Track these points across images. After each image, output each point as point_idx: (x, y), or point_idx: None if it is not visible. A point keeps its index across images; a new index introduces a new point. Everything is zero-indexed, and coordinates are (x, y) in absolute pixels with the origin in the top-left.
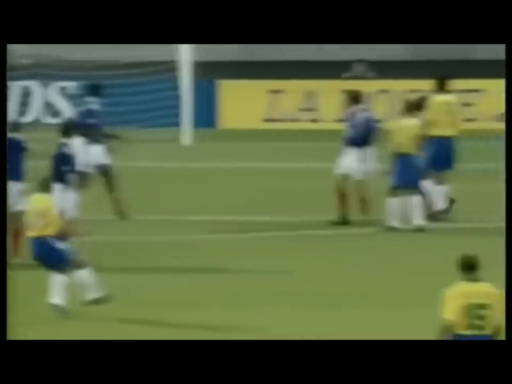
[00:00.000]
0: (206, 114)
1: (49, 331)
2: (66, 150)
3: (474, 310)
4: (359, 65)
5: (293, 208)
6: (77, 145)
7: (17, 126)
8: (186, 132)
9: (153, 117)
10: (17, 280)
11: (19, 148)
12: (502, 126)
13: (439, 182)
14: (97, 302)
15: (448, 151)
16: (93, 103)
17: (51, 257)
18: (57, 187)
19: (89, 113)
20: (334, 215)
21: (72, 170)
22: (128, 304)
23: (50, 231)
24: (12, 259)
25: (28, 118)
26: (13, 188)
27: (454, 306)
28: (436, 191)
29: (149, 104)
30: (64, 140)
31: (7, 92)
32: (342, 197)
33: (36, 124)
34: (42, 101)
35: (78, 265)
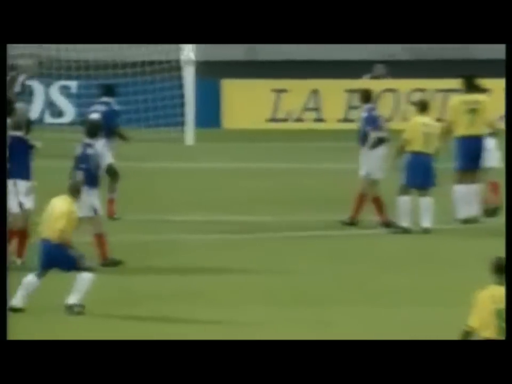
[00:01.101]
0: (210, 114)
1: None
2: (91, 151)
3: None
4: (380, 66)
5: (297, 208)
6: (100, 146)
7: (27, 125)
8: (190, 132)
9: (157, 116)
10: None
11: (26, 146)
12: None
13: (473, 181)
14: (72, 308)
15: (475, 151)
16: (113, 104)
17: (63, 262)
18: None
19: (114, 113)
20: (339, 215)
21: (96, 172)
22: (125, 303)
23: (65, 235)
24: (15, 260)
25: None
26: (21, 186)
27: (483, 311)
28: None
29: (153, 103)
30: (89, 141)
31: (6, 91)
32: (360, 198)
33: (37, 123)
34: (44, 100)
35: (85, 268)
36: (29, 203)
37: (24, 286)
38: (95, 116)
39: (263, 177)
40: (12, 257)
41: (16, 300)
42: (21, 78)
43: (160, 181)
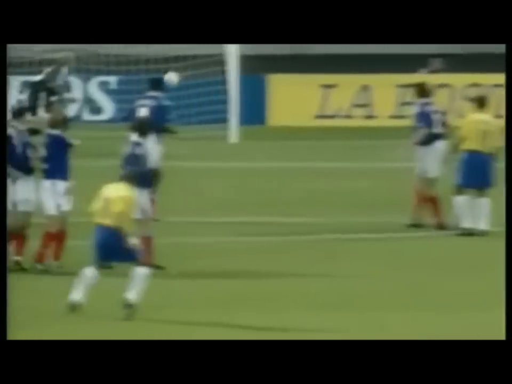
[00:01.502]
0: (254, 110)
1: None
2: (140, 151)
3: None
4: (436, 61)
5: (348, 209)
6: (150, 144)
7: (65, 122)
8: (234, 129)
9: (200, 113)
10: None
11: (64, 145)
12: None
13: None
14: (127, 306)
15: None
16: (162, 98)
17: (119, 251)
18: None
19: (164, 109)
20: (392, 217)
21: (145, 172)
22: (165, 307)
23: (124, 222)
24: (50, 264)
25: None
26: (59, 187)
27: None
28: None
29: (196, 99)
30: (138, 139)
31: (7, 91)
32: (420, 198)
33: (75, 120)
34: (82, 97)
35: (141, 263)
36: (67, 205)
37: (83, 280)
38: (143, 111)
39: (310, 176)
40: (49, 260)
41: (75, 294)
42: (64, 71)
43: (202, 180)
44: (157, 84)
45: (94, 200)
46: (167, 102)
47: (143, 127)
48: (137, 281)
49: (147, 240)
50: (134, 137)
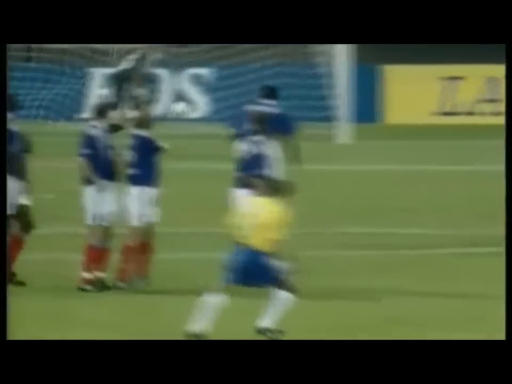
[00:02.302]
0: (367, 106)
1: None
2: (261, 150)
3: None
4: None
5: (473, 219)
6: (271, 144)
7: (146, 122)
8: (344, 128)
9: (303, 109)
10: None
11: (152, 147)
12: None
13: None
14: (264, 332)
15: None
16: (276, 107)
17: (262, 273)
18: (245, 194)
19: (286, 118)
20: None
21: (270, 175)
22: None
23: (271, 244)
24: (135, 281)
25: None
26: (147, 195)
27: None
28: None
29: (299, 93)
30: (256, 138)
31: (7, 91)
32: None
33: (163, 118)
34: (172, 92)
35: (286, 287)
36: (154, 215)
37: (208, 309)
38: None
39: (431, 180)
40: (133, 277)
41: (197, 325)
42: (150, 58)
43: (309, 185)
44: (270, 92)
45: (230, 211)
46: (283, 111)
47: (263, 122)
48: (275, 307)
49: None
50: (256, 135)
